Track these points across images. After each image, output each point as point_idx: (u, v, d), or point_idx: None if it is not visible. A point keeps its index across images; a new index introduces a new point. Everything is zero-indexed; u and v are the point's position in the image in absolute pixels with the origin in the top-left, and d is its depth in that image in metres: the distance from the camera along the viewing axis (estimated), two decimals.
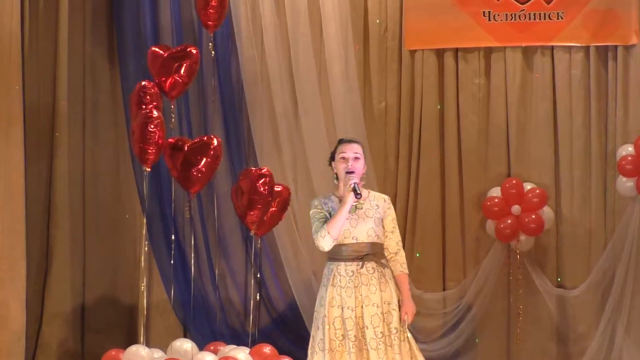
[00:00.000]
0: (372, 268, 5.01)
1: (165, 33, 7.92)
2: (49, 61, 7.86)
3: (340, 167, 5.04)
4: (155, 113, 6.82)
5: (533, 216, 7.71)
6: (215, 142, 7.11)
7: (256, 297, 7.63)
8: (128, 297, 8.12)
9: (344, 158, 5.02)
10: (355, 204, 4.97)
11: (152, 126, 6.78)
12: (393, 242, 5.12)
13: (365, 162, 5.11)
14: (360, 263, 4.98)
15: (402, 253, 5.13)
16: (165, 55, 7.12)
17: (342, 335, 4.95)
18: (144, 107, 6.86)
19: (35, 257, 7.67)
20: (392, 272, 5.10)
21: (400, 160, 8.12)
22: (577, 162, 7.83)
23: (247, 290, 7.87)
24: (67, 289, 7.89)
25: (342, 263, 5.01)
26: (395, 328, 4.98)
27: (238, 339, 7.65)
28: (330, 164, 5.16)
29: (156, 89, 7.00)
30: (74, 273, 7.92)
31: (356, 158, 5.02)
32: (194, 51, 7.12)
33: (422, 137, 8.07)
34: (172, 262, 7.55)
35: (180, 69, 7.06)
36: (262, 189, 7.02)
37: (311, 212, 5.07)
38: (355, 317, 4.97)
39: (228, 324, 7.97)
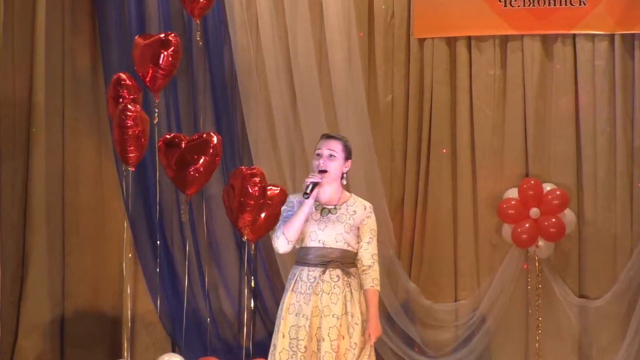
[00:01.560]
0: (337, 276, 4.92)
1: (152, 21, 7.90)
2: (25, 52, 7.84)
3: (313, 164, 5.00)
4: (131, 107, 6.78)
5: (553, 220, 7.68)
6: (215, 139, 7.10)
7: (251, 307, 7.68)
8: (111, 308, 8.10)
9: (318, 154, 4.98)
10: (330, 207, 4.93)
11: (129, 122, 6.77)
12: (367, 254, 5.00)
13: (348, 161, 5.02)
14: (324, 269, 4.90)
15: (376, 268, 5.01)
16: (144, 44, 7.08)
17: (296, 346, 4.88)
18: (121, 101, 6.83)
19: (10, 264, 7.65)
20: (360, 285, 4.98)
21: (408, 159, 8.10)
22: (601, 160, 7.80)
23: (241, 300, 7.86)
24: (44, 300, 7.85)
25: (306, 268, 4.95)
26: (355, 343, 4.88)
27: (231, 354, 7.67)
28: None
29: (134, 81, 6.97)
30: (52, 282, 7.90)
31: (331, 156, 4.94)
32: (172, 39, 7.06)
33: (431, 133, 8.05)
34: (157, 269, 7.61)
35: (159, 60, 7.03)
36: (253, 189, 6.95)
37: (282, 208, 5.03)
38: (311, 327, 4.88)
39: (220, 337, 7.95)
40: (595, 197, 7.83)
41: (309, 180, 4.86)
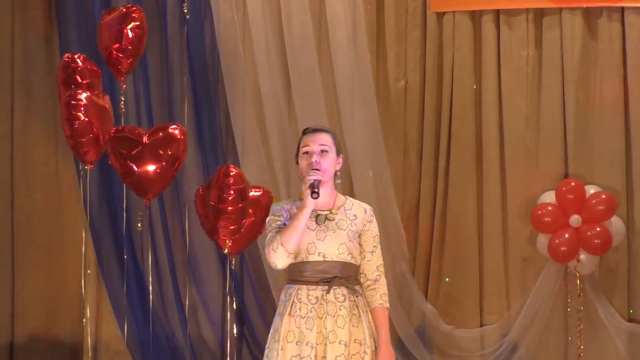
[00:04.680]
0: (343, 295, 4.85)
1: None
2: None
3: (302, 164, 4.92)
4: (82, 94, 6.82)
5: (597, 229, 7.63)
6: (177, 131, 7.12)
7: (234, 334, 7.68)
8: (70, 335, 8.05)
9: (307, 153, 4.90)
10: (325, 213, 4.88)
11: (78, 111, 6.78)
12: (372, 266, 4.94)
13: (340, 157, 4.97)
14: (327, 287, 4.82)
15: (383, 281, 4.96)
16: (105, 20, 7.17)
17: None
18: (72, 87, 6.89)
19: None
20: (367, 303, 4.93)
21: (425, 157, 8.05)
22: None
23: (225, 324, 7.78)
24: None
25: (305, 287, 4.86)
26: None
27: None
28: (297, 163, 5.01)
29: (89, 62, 7.04)
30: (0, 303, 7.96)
31: (323, 152, 4.88)
32: (135, 13, 7.11)
33: (452, 126, 8.00)
34: (125, 288, 7.66)
35: (122, 38, 7.08)
36: (227, 193, 6.90)
37: (267, 219, 4.97)
38: (316, 356, 4.81)
39: None
40: None
41: (312, 177, 4.77)
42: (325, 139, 4.90)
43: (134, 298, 7.78)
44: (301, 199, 4.94)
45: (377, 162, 7.77)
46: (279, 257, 4.82)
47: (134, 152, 7.00)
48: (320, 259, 4.84)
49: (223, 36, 7.86)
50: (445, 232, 7.97)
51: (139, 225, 7.29)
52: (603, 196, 7.65)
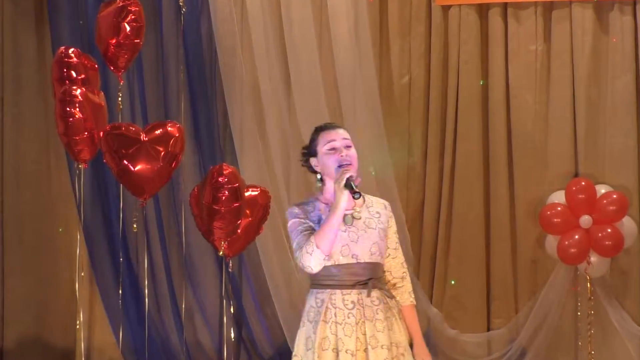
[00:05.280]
0: (378, 298, 4.84)
1: None
2: None
3: (330, 162, 4.83)
4: (77, 90, 6.77)
5: (609, 230, 7.62)
6: (174, 128, 7.09)
7: (232, 338, 7.68)
8: (61, 340, 8.05)
9: (333, 149, 4.84)
10: (350, 212, 4.82)
11: (73, 108, 6.73)
12: (397, 264, 4.95)
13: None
14: (365, 291, 4.80)
15: (409, 278, 5.00)
16: (101, 13, 7.14)
17: None
18: (67, 83, 6.85)
19: None
20: (397, 303, 4.93)
21: (430, 155, 8.06)
22: None
23: (222, 329, 7.77)
24: None
25: (338, 291, 4.80)
26: None
27: None
28: (306, 163, 4.96)
29: (84, 57, 6.99)
30: None
31: (348, 146, 4.86)
32: (132, 7, 7.07)
33: (458, 123, 8.00)
34: (120, 291, 7.59)
35: (119, 32, 7.04)
36: (220, 193, 6.87)
37: (290, 223, 4.87)
38: None
39: None
40: None
41: (346, 175, 4.73)
42: (346, 134, 4.90)
43: (128, 302, 7.78)
44: (319, 201, 4.93)
45: (379, 160, 7.72)
46: (315, 260, 4.73)
47: (130, 150, 6.95)
48: (354, 261, 4.80)
49: (220, 31, 7.85)
50: (451, 233, 7.97)
51: (135, 225, 7.34)
52: (614, 196, 7.62)
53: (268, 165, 7.84)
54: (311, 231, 4.81)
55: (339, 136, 4.89)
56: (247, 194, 7.14)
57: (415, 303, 4.93)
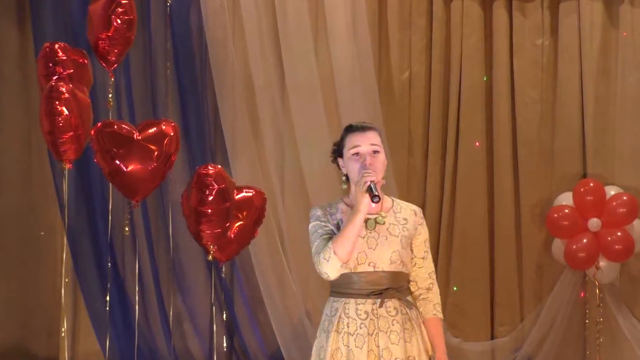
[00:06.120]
0: (395, 309, 4.77)
1: None
2: None
3: (353, 167, 4.80)
4: (63, 86, 6.75)
5: (619, 233, 7.61)
6: (168, 127, 7.06)
7: (224, 348, 7.71)
8: (44, 348, 8.03)
9: (357, 154, 4.81)
10: (374, 216, 4.78)
11: (61, 107, 6.71)
12: (424, 274, 4.88)
13: (386, 156, 4.93)
14: (379, 301, 4.75)
15: (436, 289, 4.93)
16: (92, 7, 7.16)
17: None
18: (54, 79, 6.83)
19: None
20: (420, 315, 4.86)
21: (431, 155, 8.05)
22: None
23: (213, 338, 7.78)
24: None
25: (352, 300, 4.79)
26: None
27: None
28: (335, 161, 4.93)
29: (71, 52, 6.96)
30: None
31: (375, 152, 4.80)
32: (123, 0, 7.07)
33: (461, 121, 8.00)
34: (107, 298, 7.55)
35: (110, 25, 7.01)
36: (205, 194, 6.86)
37: (311, 225, 4.86)
38: None
39: None
40: None
41: (367, 179, 4.69)
42: (375, 138, 4.83)
43: (114, 308, 7.68)
44: (344, 203, 4.94)
45: None
46: (332, 267, 4.73)
47: (122, 149, 6.94)
48: (371, 269, 4.78)
49: (211, 23, 7.82)
50: (453, 237, 7.98)
51: (127, 229, 7.32)
52: (624, 198, 7.62)
53: (261, 165, 7.84)
54: (331, 235, 4.81)
55: (367, 141, 4.82)
56: (240, 195, 7.14)
57: (441, 317, 4.89)
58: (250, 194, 7.22)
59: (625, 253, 7.56)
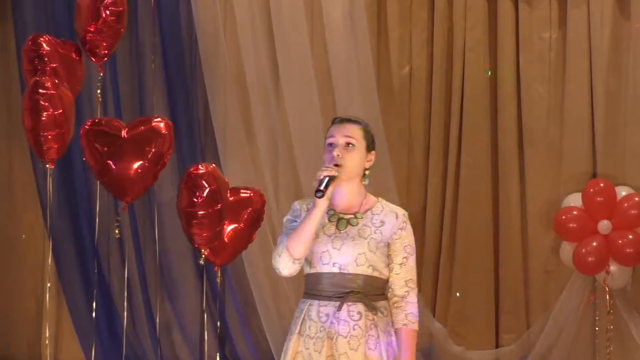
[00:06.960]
0: (359, 313, 4.74)
1: None
2: None
3: (325, 158, 4.86)
4: (49, 81, 6.73)
5: (630, 236, 7.57)
6: (161, 124, 7.04)
7: (216, 356, 7.68)
8: (26, 357, 8.08)
9: (330, 144, 4.86)
10: (349, 217, 4.79)
11: (46, 102, 6.66)
12: (400, 281, 4.82)
13: (371, 153, 4.87)
14: (339, 303, 4.74)
15: (413, 299, 4.83)
16: None
17: None
18: (38, 74, 6.82)
19: None
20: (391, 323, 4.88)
21: (432, 153, 8.06)
22: None
23: (204, 346, 7.76)
24: None
25: (316, 302, 4.78)
26: None
27: None
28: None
29: (57, 45, 6.96)
30: None
31: (349, 145, 4.80)
32: None
33: (464, 118, 8.00)
34: (94, 304, 7.51)
35: (98, 17, 7.00)
36: (195, 195, 6.82)
37: (285, 218, 4.94)
38: None
39: None
40: None
41: (323, 173, 4.69)
42: (354, 132, 4.80)
43: (99, 316, 7.67)
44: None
45: (378, 159, 7.55)
46: (283, 263, 4.72)
47: (112, 147, 6.95)
48: (336, 270, 4.75)
49: (201, 16, 7.83)
50: (456, 239, 7.99)
51: (116, 231, 7.31)
52: (636, 199, 7.60)
53: (254, 164, 7.88)
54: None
55: (342, 132, 4.83)
56: (236, 196, 7.17)
57: (413, 327, 4.76)
58: (247, 195, 7.24)
59: (637, 257, 7.55)
